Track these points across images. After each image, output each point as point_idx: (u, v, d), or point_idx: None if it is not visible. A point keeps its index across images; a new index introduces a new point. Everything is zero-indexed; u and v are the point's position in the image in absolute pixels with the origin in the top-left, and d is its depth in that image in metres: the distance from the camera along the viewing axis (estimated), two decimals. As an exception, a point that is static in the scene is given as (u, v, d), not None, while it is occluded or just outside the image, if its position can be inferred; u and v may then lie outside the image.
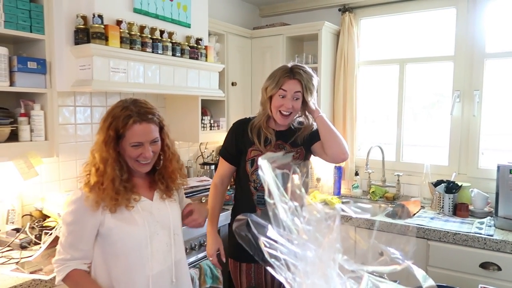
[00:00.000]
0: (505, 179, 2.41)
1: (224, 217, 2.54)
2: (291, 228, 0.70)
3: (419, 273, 0.83)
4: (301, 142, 1.86)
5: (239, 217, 1.05)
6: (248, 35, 3.42)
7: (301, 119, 1.91)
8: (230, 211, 2.06)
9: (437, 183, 2.80)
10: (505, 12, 2.80)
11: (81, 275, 1.36)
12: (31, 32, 1.88)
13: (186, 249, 2.08)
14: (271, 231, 0.90)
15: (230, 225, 2.01)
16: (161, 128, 1.44)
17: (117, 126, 1.33)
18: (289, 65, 1.80)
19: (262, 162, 0.73)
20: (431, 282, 0.80)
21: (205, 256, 2.51)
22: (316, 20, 3.34)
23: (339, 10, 3.33)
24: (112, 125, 1.33)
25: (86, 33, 1.97)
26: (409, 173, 3.15)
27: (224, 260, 1.91)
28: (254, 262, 1.82)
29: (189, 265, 2.36)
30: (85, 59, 1.96)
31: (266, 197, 0.73)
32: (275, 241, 0.85)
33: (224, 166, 1.93)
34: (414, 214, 2.73)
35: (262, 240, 0.85)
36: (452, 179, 2.81)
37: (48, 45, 1.95)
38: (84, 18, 1.96)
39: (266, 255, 0.82)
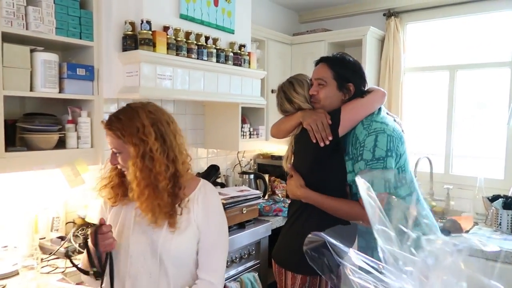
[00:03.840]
0: None
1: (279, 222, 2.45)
2: (395, 257, 0.60)
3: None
4: None
5: (312, 236, 0.95)
6: (289, 42, 3.34)
7: None
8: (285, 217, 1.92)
9: (493, 198, 2.61)
10: None
11: None
12: (80, 38, 1.87)
13: (227, 262, 1.94)
14: (354, 256, 0.81)
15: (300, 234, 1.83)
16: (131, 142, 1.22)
17: None
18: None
19: (360, 181, 0.63)
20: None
21: (245, 269, 2.42)
22: (358, 25, 3.23)
23: (384, 15, 3.20)
24: None
25: (134, 40, 1.94)
26: (460, 186, 2.96)
27: None
28: (311, 275, 1.68)
29: (229, 278, 2.29)
30: (133, 66, 1.93)
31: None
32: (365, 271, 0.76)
33: None
34: (467, 231, 2.55)
35: (349, 267, 0.76)
36: (510, 194, 2.62)
37: (97, 51, 1.93)
38: (132, 24, 1.93)
39: (355, 285, 0.73)
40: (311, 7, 3.55)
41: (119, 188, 1.34)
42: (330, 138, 1.60)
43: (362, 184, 0.63)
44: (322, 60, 1.74)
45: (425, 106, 3.23)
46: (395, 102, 3.13)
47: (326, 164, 1.69)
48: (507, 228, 2.48)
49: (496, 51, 2.87)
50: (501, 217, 2.51)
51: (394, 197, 0.65)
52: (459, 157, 3.08)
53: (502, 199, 2.56)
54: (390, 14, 3.14)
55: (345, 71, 1.67)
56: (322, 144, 1.61)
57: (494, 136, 2.91)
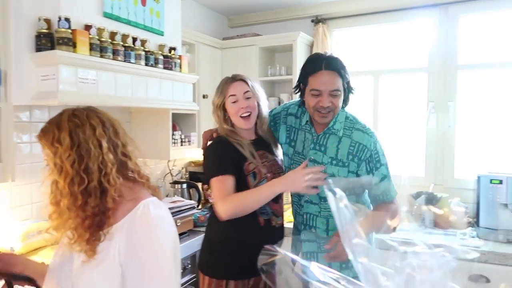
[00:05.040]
0: (486, 189, 2.43)
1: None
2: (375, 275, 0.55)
3: None
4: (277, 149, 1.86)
5: (266, 251, 0.88)
6: (219, 46, 3.27)
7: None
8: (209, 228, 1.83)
9: (417, 195, 2.78)
10: (476, 25, 2.89)
11: None
12: (-18, 36, 1.61)
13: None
14: (317, 271, 0.75)
15: (211, 241, 1.79)
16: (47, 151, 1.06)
17: None
18: (230, 75, 1.80)
19: (330, 195, 0.57)
20: None
21: (181, 285, 2.28)
22: (287, 31, 3.27)
23: (312, 21, 3.28)
24: None
25: (50, 39, 1.72)
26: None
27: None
28: (217, 278, 1.70)
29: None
30: (49, 68, 1.70)
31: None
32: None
33: (232, 181, 1.64)
34: (395, 227, 2.68)
35: (315, 284, 0.70)
36: (430, 190, 2.81)
37: (4, 51, 1.67)
38: (47, 21, 1.71)
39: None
40: (241, 12, 3.52)
41: None
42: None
43: (332, 196, 0.57)
44: (333, 69, 1.60)
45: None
46: (325, 106, 3.20)
47: None
48: (430, 223, 2.66)
49: (415, 57, 3.08)
50: (424, 213, 2.68)
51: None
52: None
53: (424, 195, 2.74)
54: (318, 20, 3.22)
55: (348, 75, 1.67)
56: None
57: (415, 137, 3.11)
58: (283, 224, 1.85)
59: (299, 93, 1.78)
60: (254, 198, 1.61)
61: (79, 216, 1.01)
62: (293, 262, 0.80)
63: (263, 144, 1.81)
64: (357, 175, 1.67)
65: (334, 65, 1.61)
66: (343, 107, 1.72)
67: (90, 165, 1.03)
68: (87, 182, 1.02)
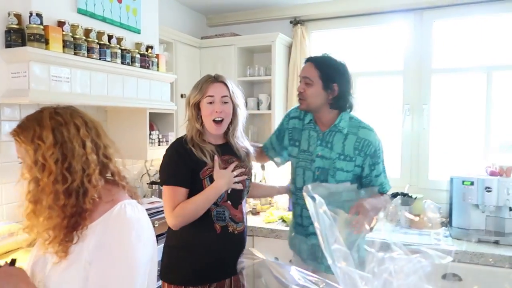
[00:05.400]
0: (458, 190, 2.50)
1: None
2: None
3: None
4: (247, 156, 1.85)
5: (247, 255, 0.88)
6: (197, 45, 3.24)
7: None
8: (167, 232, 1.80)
9: (392, 196, 2.83)
10: (450, 30, 2.96)
11: None
12: None
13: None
14: (297, 275, 0.75)
15: (168, 246, 1.77)
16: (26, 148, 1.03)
17: None
18: (212, 74, 1.76)
19: (310, 201, 0.57)
20: None
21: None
22: (266, 31, 3.27)
23: (291, 22, 3.29)
24: None
25: (20, 35, 1.65)
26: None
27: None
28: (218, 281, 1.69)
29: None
30: (20, 65, 1.64)
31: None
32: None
33: (183, 193, 1.64)
34: (372, 227, 2.72)
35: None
36: (405, 191, 2.86)
37: (-30, 47, 1.60)
38: (18, 16, 1.65)
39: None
40: (220, 11, 3.49)
41: None
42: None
43: (311, 201, 0.57)
44: (309, 60, 1.87)
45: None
46: (303, 107, 3.22)
47: None
48: (405, 223, 2.71)
49: (391, 61, 3.13)
50: (400, 213, 2.73)
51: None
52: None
53: (400, 196, 2.79)
54: (296, 22, 3.24)
55: (330, 71, 1.80)
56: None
57: (390, 138, 3.16)
58: (243, 231, 1.79)
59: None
60: (204, 203, 1.63)
61: (59, 216, 0.99)
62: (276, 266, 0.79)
63: (230, 150, 1.78)
64: (362, 169, 1.83)
65: (312, 57, 1.92)
66: (348, 111, 1.87)
67: (73, 165, 1.02)
68: (70, 182, 1.00)
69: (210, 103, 1.67)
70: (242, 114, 1.79)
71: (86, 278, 0.99)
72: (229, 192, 1.71)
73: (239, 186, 1.72)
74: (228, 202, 1.72)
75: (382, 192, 1.91)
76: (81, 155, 1.03)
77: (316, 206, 0.56)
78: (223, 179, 1.64)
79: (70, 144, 1.02)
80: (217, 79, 1.72)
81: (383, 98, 3.23)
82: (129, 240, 1.01)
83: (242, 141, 1.82)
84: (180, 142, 1.73)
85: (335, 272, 0.62)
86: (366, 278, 0.53)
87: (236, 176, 1.69)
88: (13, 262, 1.07)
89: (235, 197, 1.74)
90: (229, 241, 1.71)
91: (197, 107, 1.71)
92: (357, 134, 1.81)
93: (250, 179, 1.84)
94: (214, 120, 1.68)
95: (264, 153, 2.13)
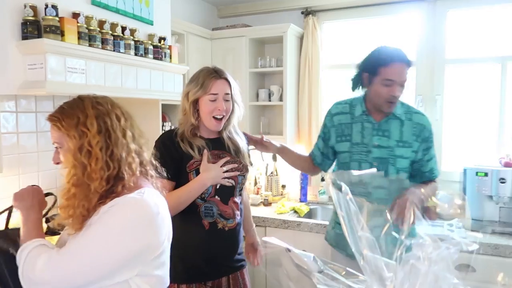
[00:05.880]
0: (472, 181, 2.48)
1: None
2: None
3: None
4: (240, 152, 1.77)
5: (266, 246, 0.88)
6: (208, 36, 3.23)
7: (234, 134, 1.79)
8: None
9: (405, 187, 2.82)
10: (463, 19, 2.91)
11: None
12: (-35, 22, 1.55)
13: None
14: (317, 262, 0.76)
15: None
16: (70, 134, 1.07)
17: None
18: (211, 66, 1.71)
19: (334, 189, 0.57)
20: None
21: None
22: (276, 22, 3.25)
23: (302, 13, 3.26)
24: None
25: (36, 26, 1.66)
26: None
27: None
28: (214, 279, 1.69)
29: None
30: (36, 57, 1.65)
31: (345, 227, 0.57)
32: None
33: (167, 186, 1.60)
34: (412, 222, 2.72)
35: (317, 276, 0.70)
36: (418, 183, 2.85)
37: (-13, 39, 1.62)
38: (34, 8, 1.66)
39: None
40: (230, 2, 3.48)
41: None
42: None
43: (336, 189, 0.57)
44: (402, 61, 1.79)
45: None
46: (314, 98, 3.21)
47: None
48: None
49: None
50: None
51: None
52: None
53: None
54: (307, 12, 3.21)
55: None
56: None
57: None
58: (236, 228, 1.72)
59: (356, 84, 1.91)
60: (186, 196, 1.60)
61: (94, 200, 1.05)
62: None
63: (222, 145, 1.74)
64: (416, 154, 1.84)
65: (405, 57, 1.80)
66: None
67: (115, 152, 1.07)
68: (112, 169, 1.06)
69: (213, 101, 1.63)
70: (239, 110, 1.75)
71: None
72: (217, 187, 1.66)
73: (228, 183, 1.66)
74: (216, 197, 1.67)
75: (430, 180, 1.92)
76: (123, 144, 1.08)
77: (341, 193, 0.57)
78: (208, 173, 1.60)
79: (114, 133, 1.07)
80: (220, 75, 1.66)
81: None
82: (128, 219, 1.04)
83: (235, 136, 1.78)
84: (169, 134, 1.72)
85: (359, 259, 0.62)
86: (392, 266, 0.53)
87: (226, 171, 1.64)
88: (48, 194, 1.22)
89: (225, 192, 1.69)
90: (219, 238, 1.66)
91: (195, 102, 1.66)
92: (412, 119, 1.84)
93: (244, 176, 1.77)
94: (214, 117, 1.64)
95: (313, 163, 2.09)
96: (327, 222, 2.71)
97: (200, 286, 1.66)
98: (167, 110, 2.90)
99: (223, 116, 1.66)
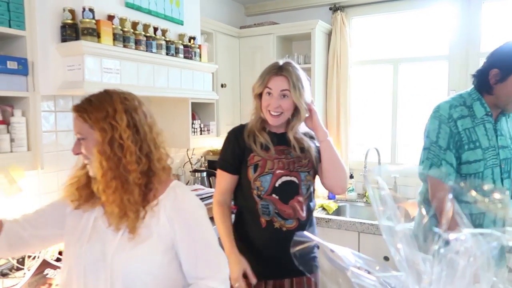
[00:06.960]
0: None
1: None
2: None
3: None
4: (306, 150, 1.68)
5: (298, 239, 0.90)
6: (236, 35, 3.26)
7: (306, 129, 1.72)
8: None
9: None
10: (498, 12, 2.81)
11: None
12: (10, 27, 1.64)
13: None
14: (352, 257, 0.76)
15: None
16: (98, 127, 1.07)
17: None
18: (281, 62, 1.63)
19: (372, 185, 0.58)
20: None
21: None
22: (304, 19, 3.24)
23: (330, 9, 3.24)
24: None
25: (74, 29, 1.74)
26: (406, 175, 3.10)
27: (254, 281, 1.59)
28: (274, 278, 1.66)
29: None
30: (75, 58, 1.73)
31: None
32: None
33: (226, 179, 1.68)
34: (413, 216, 2.67)
35: (352, 270, 0.71)
36: (451, 180, 2.78)
37: (30, 42, 1.70)
38: (72, 12, 1.73)
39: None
40: (257, 0, 3.50)
41: (84, 189, 1.15)
42: None
43: (373, 185, 0.58)
44: None
45: (371, 99, 3.34)
46: (343, 95, 3.19)
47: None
48: (451, 212, 2.64)
49: (435, 45, 3.02)
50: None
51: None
52: (403, 146, 3.22)
53: (445, 185, 2.71)
54: (336, 8, 3.18)
55: None
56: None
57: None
58: (295, 230, 1.60)
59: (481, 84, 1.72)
60: (219, 232, 1.66)
61: (135, 192, 1.07)
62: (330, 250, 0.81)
63: (287, 140, 1.67)
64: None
65: None
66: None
67: (144, 147, 1.10)
68: (144, 164, 1.09)
69: (269, 94, 1.61)
70: (304, 111, 1.63)
71: (155, 255, 1.09)
72: (276, 185, 1.61)
73: None
74: (274, 195, 1.61)
75: None
76: (150, 138, 1.12)
77: (379, 189, 0.57)
78: (232, 268, 1.54)
79: (141, 128, 1.10)
80: (280, 72, 1.59)
81: (427, 85, 3.12)
82: (197, 206, 1.17)
83: (302, 136, 1.68)
84: (237, 128, 1.73)
85: (394, 254, 0.63)
86: (428, 260, 0.53)
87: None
88: None
89: (287, 191, 1.62)
90: (275, 237, 1.60)
91: (259, 96, 1.65)
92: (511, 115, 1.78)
93: (309, 172, 1.66)
94: (270, 113, 1.62)
95: (442, 181, 1.69)
96: (356, 220, 2.70)
97: (259, 284, 1.63)
98: (196, 108, 2.96)
99: (281, 113, 1.60)
